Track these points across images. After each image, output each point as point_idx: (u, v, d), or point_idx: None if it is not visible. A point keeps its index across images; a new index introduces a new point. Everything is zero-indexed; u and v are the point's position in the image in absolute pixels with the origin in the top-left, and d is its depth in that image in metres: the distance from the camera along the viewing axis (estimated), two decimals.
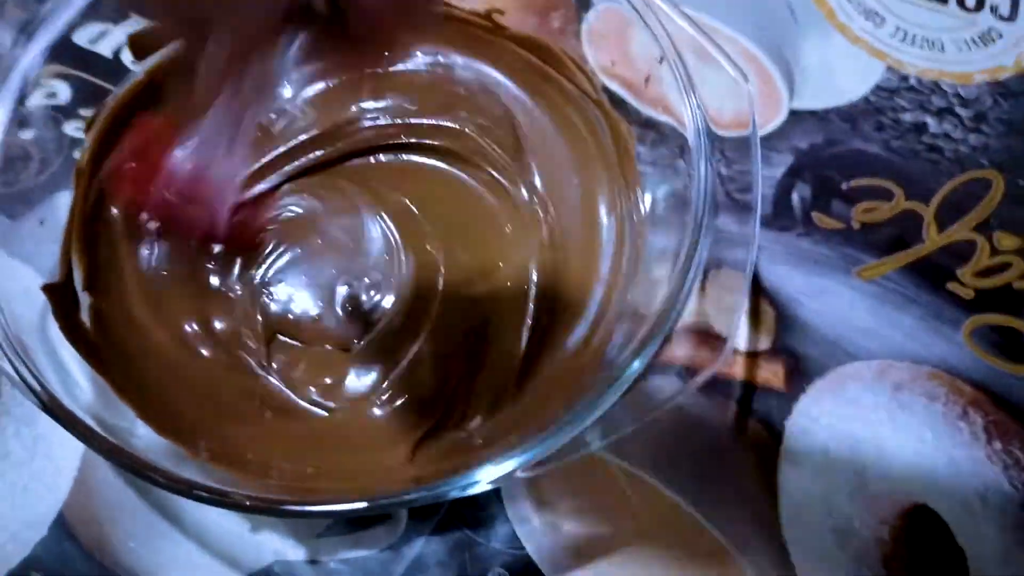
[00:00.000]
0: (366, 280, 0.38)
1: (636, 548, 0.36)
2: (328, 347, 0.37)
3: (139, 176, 0.37)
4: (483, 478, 0.28)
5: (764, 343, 0.39)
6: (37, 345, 0.33)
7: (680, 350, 0.38)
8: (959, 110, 0.45)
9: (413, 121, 0.40)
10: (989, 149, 0.43)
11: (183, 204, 0.35)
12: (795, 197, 0.43)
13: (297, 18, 0.33)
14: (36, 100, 0.40)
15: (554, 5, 0.42)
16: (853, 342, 0.39)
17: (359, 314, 0.37)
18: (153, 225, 0.38)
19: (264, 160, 0.39)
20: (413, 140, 0.40)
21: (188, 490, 0.28)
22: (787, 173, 0.43)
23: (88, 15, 0.39)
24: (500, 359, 0.36)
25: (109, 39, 0.47)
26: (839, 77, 0.46)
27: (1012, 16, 0.45)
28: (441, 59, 0.42)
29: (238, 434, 0.34)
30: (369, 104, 0.41)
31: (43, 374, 0.31)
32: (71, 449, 0.37)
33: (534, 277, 0.37)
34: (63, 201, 0.38)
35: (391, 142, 0.40)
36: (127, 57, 0.46)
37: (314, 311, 0.37)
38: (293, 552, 0.36)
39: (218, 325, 0.37)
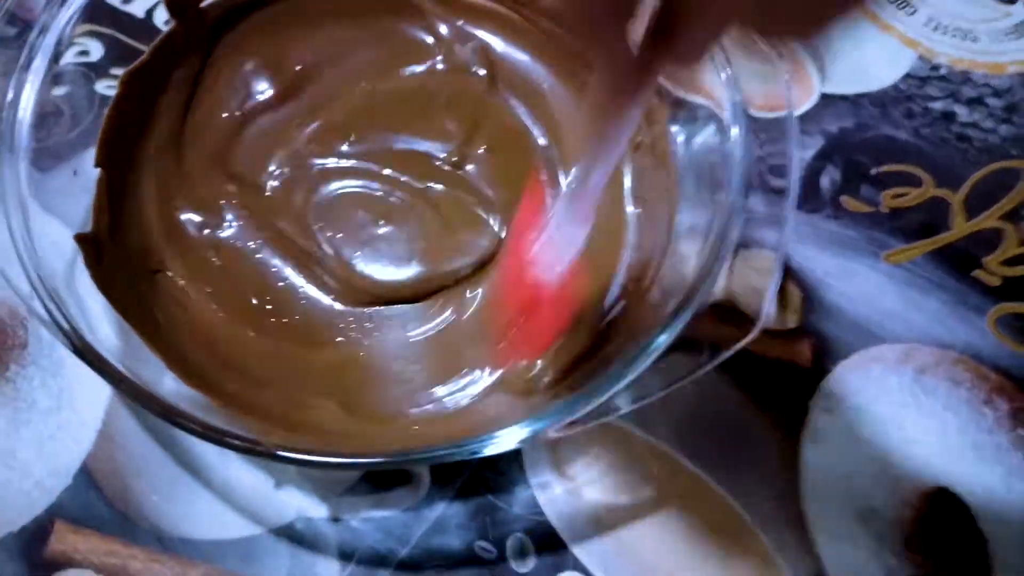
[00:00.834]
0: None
1: (656, 519, 0.36)
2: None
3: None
4: (513, 436, 0.28)
5: (790, 323, 0.39)
6: (67, 296, 0.33)
7: (707, 326, 0.38)
8: (990, 100, 0.45)
9: None
10: (1020, 140, 0.44)
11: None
12: (824, 180, 0.43)
13: None
14: (69, 58, 0.41)
15: None
16: (879, 324, 0.39)
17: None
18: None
19: None
20: None
21: (219, 437, 0.28)
22: (817, 156, 0.43)
23: None
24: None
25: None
26: (870, 64, 0.46)
27: None
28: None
29: (265, 386, 0.34)
30: None
31: (79, 327, 0.31)
32: (96, 401, 0.38)
33: None
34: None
35: None
36: (160, 17, 0.47)
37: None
38: (316, 509, 0.36)
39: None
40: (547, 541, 0.35)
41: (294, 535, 0.35)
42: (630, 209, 0.40)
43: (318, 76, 0.41)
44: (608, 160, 0.27)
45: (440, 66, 0.42)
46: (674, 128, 0.39)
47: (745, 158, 0.34)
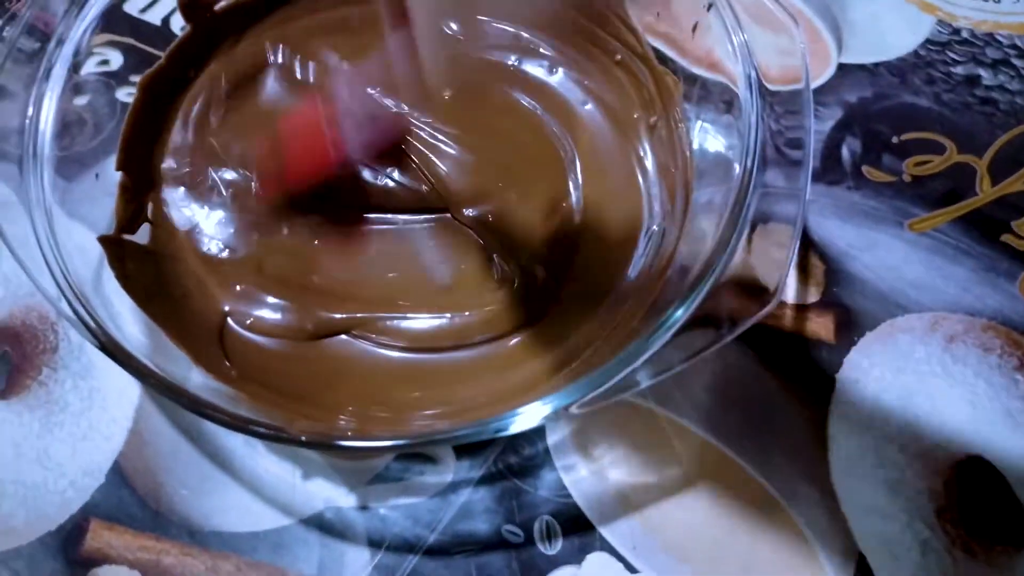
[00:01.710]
0: None
1: (683, 498, 0.36)
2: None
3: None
4: (536, 413, 0.28)
5: (814, 296, 0.39)
6: (94, 298, 0.34)
7: (729, 302, 0.38)
8: (1015, 61, 0.44)
9: None
10: None
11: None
12: (844, 151, 0.42)
13: None
14: (90, 67, 0.41)
15: None
16: (905, 295, 0.39)
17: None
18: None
19: None
20: None
21: (246, 426, 0.29)
22: (836, 127, 0.43)
23: None
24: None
25: (158, 7, 0.48)
26: (887, 31, 0.45)
27: None
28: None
29: (292, 379, 0.35)
30: None
31: (106, 326, 0.32)
32: (126, 400, 0.38)
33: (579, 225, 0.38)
34: None
35: None
36: (176, 23, 0.47)
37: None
38: (344, 499, 0.36)
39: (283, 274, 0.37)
40: (574, 523, 0.35)
41: (323, 524, 0.36)
42: (647, 186, 0.39)
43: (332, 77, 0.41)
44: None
45: None
46: (688, 105, 0.39)
47: (760, 132, 0.33)
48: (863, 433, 0.36)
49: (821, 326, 0.38)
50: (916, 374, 0.37)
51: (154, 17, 0.47)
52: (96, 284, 0.35)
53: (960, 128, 0.42)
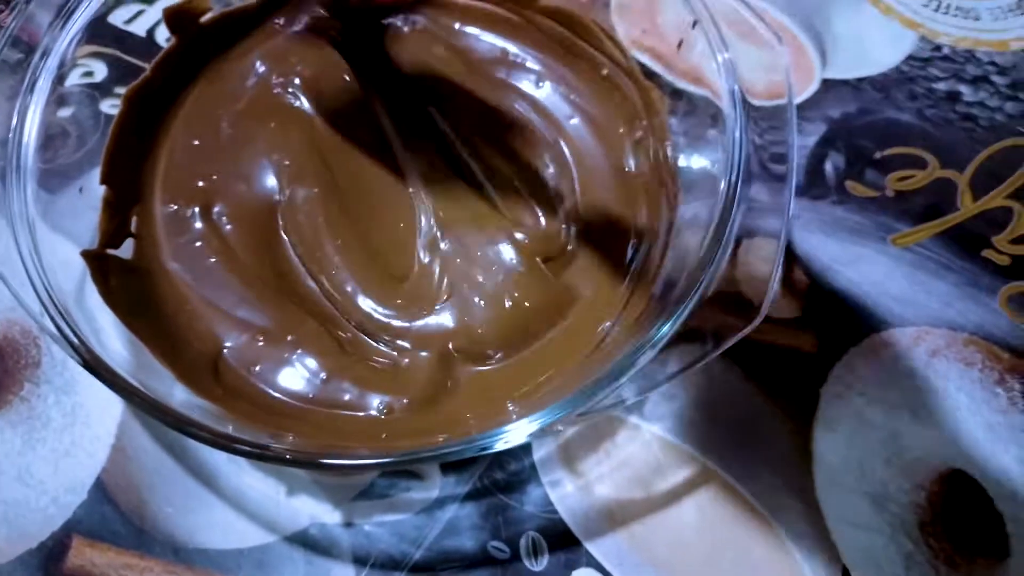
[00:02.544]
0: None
1: (669, 513, 0.36)
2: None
3: None
4: (522, 431, 0.28)
5: (798, 310, 0.39)
6: (77, 313, 0.34)
7: (714, 317, 0.38)
8: (995, 78, 0.44)
9: None
10: None
11: None
12: (828, 166, 0.42)
13: None
14: (74, 79, 0.41)
15: None
16: (888, 309, 0.39)
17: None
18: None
19: None
20: None
21: (229, 444, 0.29)
22: (820, 142, 0.43)
23: None
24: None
25: (144, 18, 0.48)
26: (871, 47, 0.46)
27: None
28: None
29: (274, 397, 0.34)
30: None
31: (88, 342, 0.32)
32: (108, 417, 0.38)
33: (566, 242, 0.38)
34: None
35: None
36: (162, 35, 0.47)
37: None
38: (329, 515, 0.36)
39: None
40: (560, 539, 0.35)
41: (308, 541, 0.35)
42: (631, 202, 0.39)
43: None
44: None
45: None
46: (674, 119, 0.39)
47: (744, 147, 0.34)
48: (847, 447, 0.36)
49: (805, 340, 0.39)
50: (899, 389, 0.37)
51: (139, 29, 0.47)
52: (79, 299, 0.35)
53: (942, 143, 0.43)
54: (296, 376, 0.35)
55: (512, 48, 0.43)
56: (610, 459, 0.37)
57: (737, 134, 0.34)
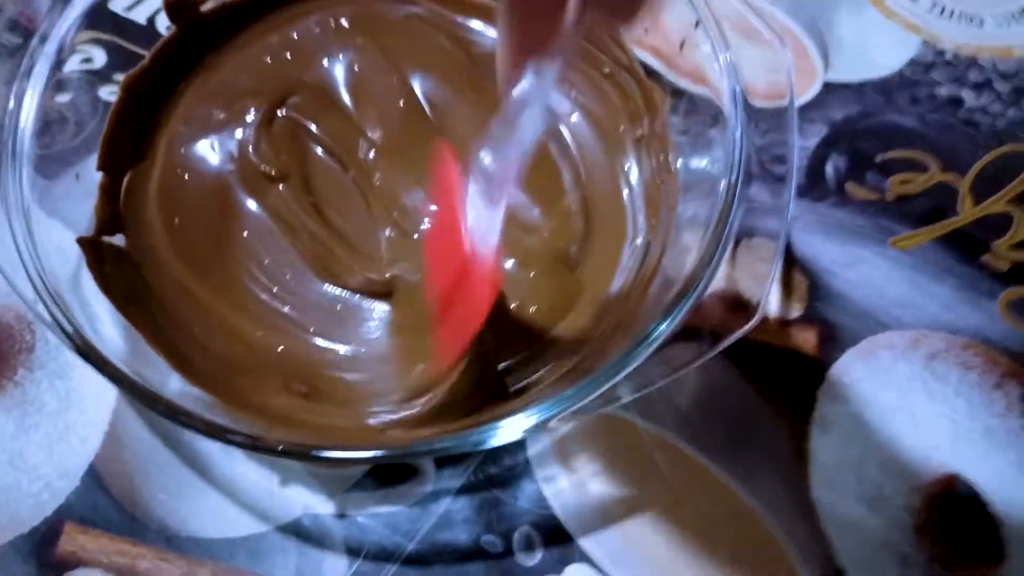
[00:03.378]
0: None
1: (663, 510, 0.36)
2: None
3: None
4: (516, 426, 0.28)
5: (797, 311, 0.39)
6: (72, 300, 0.33)
7: (710, 315, 0.38)
8: (997, 84, 0.44)
9: None
10: None
11: None
12: (829, 168, 0.42)
13: None
14: (73, 65, 0.41)
15: None
16: (887, 312, 0.39)
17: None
18: None
19: None
20: None
21: (222, 434, 0.29)
22: (821, 144, 0.43)
23: None
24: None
25: (144, 6, 0.47)
26: (874, 50, 0.45)
27: None
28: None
29: (270, 384, 0.34)
30: None
31: (82, 329, 0.32)
32: (103, 403, 0.38)
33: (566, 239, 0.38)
34: None
35: None
36: (162, 22, 0.47)
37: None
38: (322, 506, 0.36)
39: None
40: (554, 534, 0.35)
41: (301, 532, 0.35)
42: (631, 199, 0.39)
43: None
44: (520, 126, 0.25)
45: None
46: (675, 118, 0.39)
47: (744, 147, 0.33)
48: (844, 449, 0.36)
49: (803, 341, 0.38)
50: (897, 391, 0.37)
51: (139, 16, 0.47)
52: (74, 285, 0.35)
53: (943, 148, 0.43)
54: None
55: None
56: (605, 456, 0.36)
57: (738, 134, 0.34)
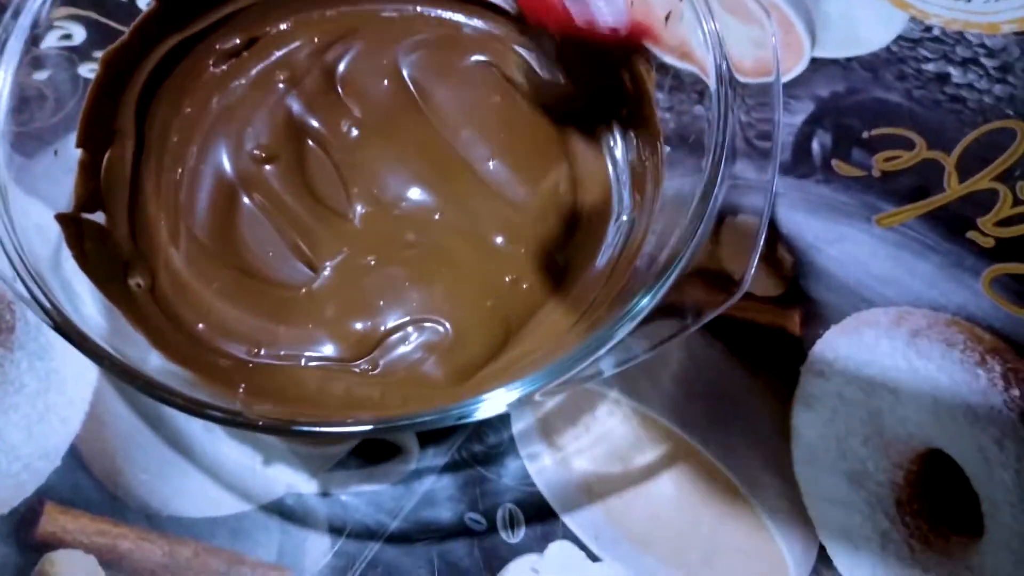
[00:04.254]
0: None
1: (646, 487, 0.36)
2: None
3: None
4: (499, 400, 0.28)
5: (780, 289, 0.39)
6: (52, 278, 0.33)
7: (695, 292, 0.38)
8: (984, 60, 0.44)
9: None
10: (1015, 99, 0.43)
11: None
12: (815, 145, 0.42)
13: None
14: (51, 41, 0.40)
15: None
16: (871, 289, 0.39)
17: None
18: None
19: None
20: None
21: (201, 409, 0.28)
22: (807, 121, 0.43)
23: None
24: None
25: None
26: (861, 27, 0.45)
27: None
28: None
29: (249, 361, 0.34)
30: None
31: (61, 306, 0.31)
32: (83, 382, 0.38)
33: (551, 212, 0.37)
34: None
35: None
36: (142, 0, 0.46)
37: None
38: (305, 485, 0.36)
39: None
40: (537, 511, 0.35)
41: (284, 511, 0.35)
42: (616, 175, 0.39)
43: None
44: None
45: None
46: (660, 94, 0.39)
47: (729, 123, 0.33)
48: (826, 425, 0.36)
49: (787, 318, 0.38)
50: (880, 368, 0.37)
51: None
52: (55, 264, 0.34)
53: (930, 125, 0.42)
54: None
55: (498, 29, 0.42)
56: (589, 433, 0.36)
57: (722, 110, 0.33)
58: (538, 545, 0.35)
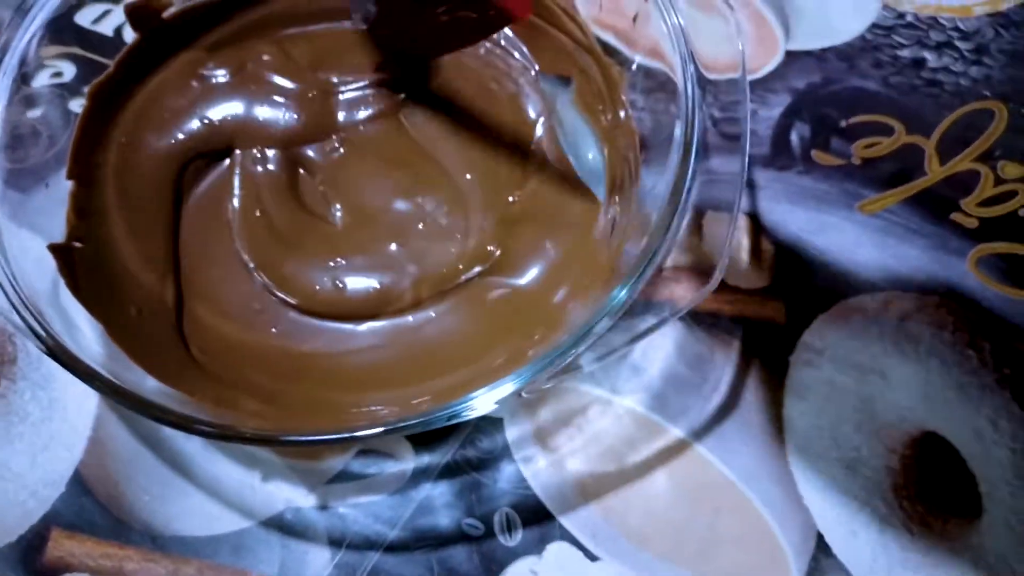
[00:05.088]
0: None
1: (641, 484, 0.36)
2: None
3: None
4: (488, 398, 0.29)
5: (766, 280, 0.39)
6: (50, 310, 0.34)
7: (677, 287, 0.38)
8: (959, 43, 0.44)
9: None
10: (992, 80, 0.43)
11: None
12: (794, 136, 0.43)
13: None
14: (43, 80, 0.41)
15: None
16: (857, 276, 0.39)
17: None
18: None
19: None
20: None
21: (191, 425, 0.29)
22: (784, 113, 0.43)
23: None
24: None
25: (111, 18, 0.48)
26: (834, 17, 0.46)
27: None
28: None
29: (245, 385, 0.35)
30: None
31: (55, 333, 0.32)
32: (85, 410, 0.38)
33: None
34: None
35: None
36: (129, 34, 0.47)
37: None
38: (304, 499, 0.36)
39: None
40: (534, 514, 0.35)
41: (284, 525, 0.36)
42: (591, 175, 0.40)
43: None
44: None
45: None
46: (635, 94, 0.39)
47: (697, 119, 0.34)
48: (818, 414, 0.37)
49: (774, 310, 0.39)
50: (869, 354, 0.37)
51: (107, 28, 0.47)
52: (53, 297, 0.35)
53: (908, 110, 0.43)
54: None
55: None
56: (582, 433, 0.37)
57: (690, 106, 0.34)
58: (536, 547, 0.35)
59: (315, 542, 0.35)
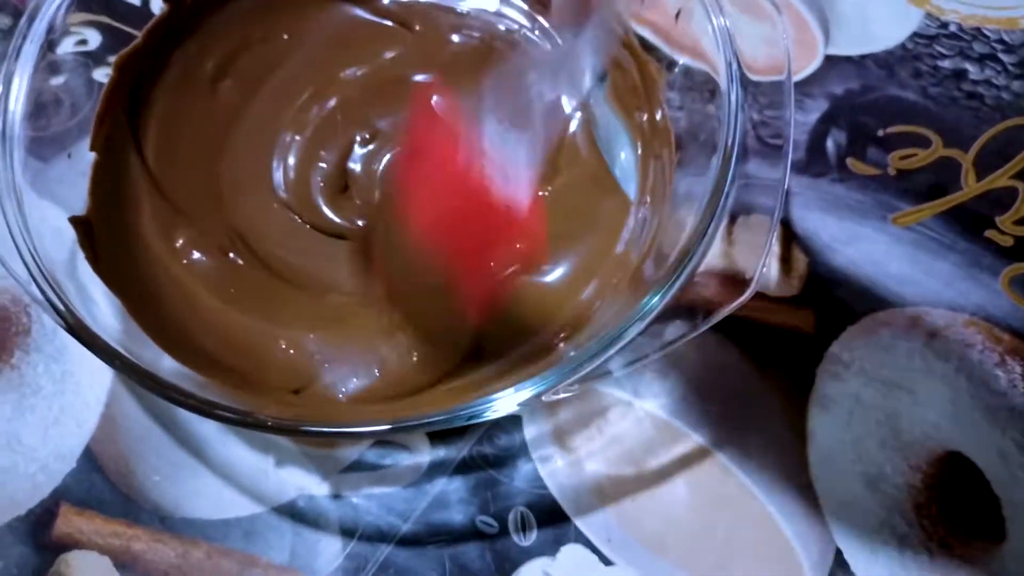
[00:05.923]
0: None
1: (659, 490, 0.35)
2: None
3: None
4: (511, 400, 0.28)
5: (796, 289, 0.39)
6: (67, 282, 0.33)
7: (708, 292, 0.38)
8: (1003, 56, 0.43)
9: None
10: None
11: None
12: (829, 143, 0.42)
13: None
14: (67, 47, 0.41)
15: None
16: (887, 289, 0.38)
17: None
18: None
19: None
20: None
21: (211, 410, 0.28)
22: (821, 119, 0.42)
23: None
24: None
25: None
26: (875, 24, 0.45)
27: None
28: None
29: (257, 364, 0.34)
30: None
31: (74, 308, 0.32)
32: (98, 385, 0.38)
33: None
34: None
35: None
36: (157, 4, 0.47)
37: None
38: (317, 487, 0.36)
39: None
40: (549, 514, 0.35)
41: (296, 513, 0.35)
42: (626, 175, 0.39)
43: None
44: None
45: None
46: (672, 93, 0.39)
47: (740, 122, 0.33)
48: (842, 427, 0.36)
49: (802, 319, 0.38)
50: (897, 369, 0.37)
51: None
52: (71, 268, 0.35)
53: (946, 122, 0.42)
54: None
55: (510, 23, 0.42)
56: (602, 435, 0.36)
57: (733, 108, 0.33)
58: (550, 548, 0.34)
59: (327, 531, 0.35)
